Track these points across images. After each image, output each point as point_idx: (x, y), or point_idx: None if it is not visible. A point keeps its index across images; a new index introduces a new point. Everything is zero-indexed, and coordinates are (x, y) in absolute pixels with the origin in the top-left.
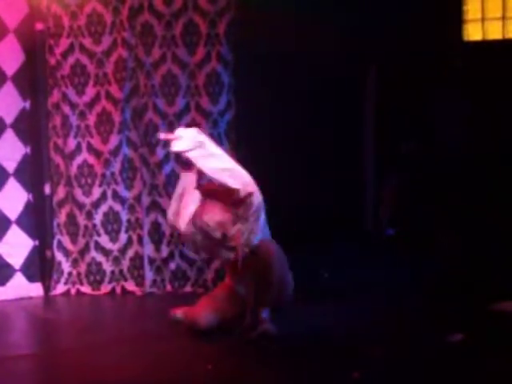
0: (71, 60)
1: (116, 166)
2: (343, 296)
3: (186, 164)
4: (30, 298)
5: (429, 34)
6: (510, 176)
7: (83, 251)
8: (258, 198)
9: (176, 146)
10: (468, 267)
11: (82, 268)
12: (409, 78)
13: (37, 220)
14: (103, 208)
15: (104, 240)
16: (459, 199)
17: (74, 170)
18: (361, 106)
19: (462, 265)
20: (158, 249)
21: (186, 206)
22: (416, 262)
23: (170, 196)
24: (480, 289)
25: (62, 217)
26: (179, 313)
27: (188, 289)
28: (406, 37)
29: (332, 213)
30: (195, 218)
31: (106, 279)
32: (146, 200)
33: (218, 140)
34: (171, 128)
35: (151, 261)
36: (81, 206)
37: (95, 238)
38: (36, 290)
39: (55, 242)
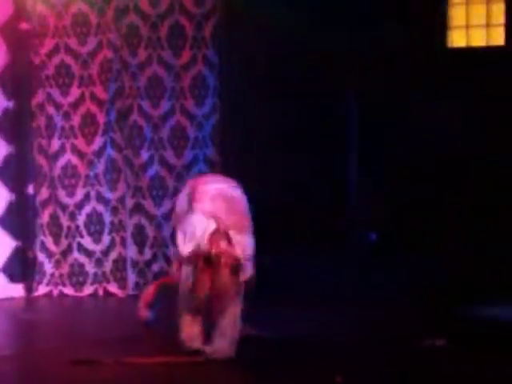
0: (56, 60)
1: (100, 168)
2: (323, 300)
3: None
4: (12, 298)
5: (413, 41)
6: (492, 177)
7: (66, 252)
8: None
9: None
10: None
11: (65, 269)
12: (393, 84)
13: (19, 220)
14: (86, 209)
15: (87, 241)
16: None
17: (57, 170)
18: (346, 107)
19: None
20: (141, 251)
21: None
22: (398, 268)
23: (153, 198)
24: (464, 293)
25: (44, 217)
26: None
27: None
28: (390, 43)
29: (315, 215)
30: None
31: (89, 281)
32: (129, 202)
33: (202, 143)
34: (155, 130)
35: (134, 263)
36: (64, 207)
37: (78, 239)
38: (17, 290)
39: (38, 243)
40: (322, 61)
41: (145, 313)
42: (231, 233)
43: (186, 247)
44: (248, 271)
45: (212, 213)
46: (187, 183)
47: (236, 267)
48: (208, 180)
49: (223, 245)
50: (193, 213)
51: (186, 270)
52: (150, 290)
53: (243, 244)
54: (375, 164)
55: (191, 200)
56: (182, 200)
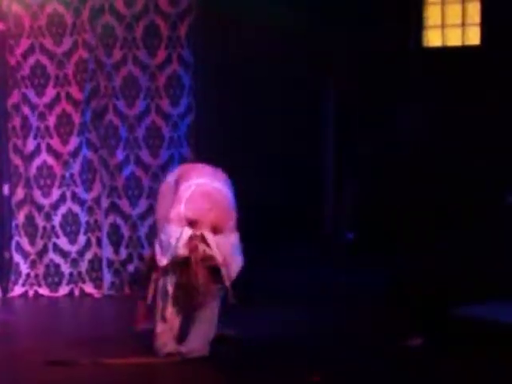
0: (31, 61)
1: (75, 168)
2: (299, 299)
3: None
4: None
5: (389, 40)
6: (468, 176)
7: (41, 253)
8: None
9: None
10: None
11: (40, 270)
12: (369, 83)
13: None
14: (62, 210)
15: (63, 242)
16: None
17: (33, 171)
18: (320, 107)
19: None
20: (116, 251)
21: None
22: (375, 267)
23: (128, 198)
24: (441, 293)
25: (20, 218)
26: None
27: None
28: (366, 42)
29: (292, 214)
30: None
31: (65, 281)
32: (105, 202)
33: (178, 143)
34: (131, 130)
35: (110, 263)
36: (40, 208)
37: (54, 239)
38: None
39: (13, 244)
40: (298, 60)
41: (142, 325)
42: (209, 235)
43: (162, 259)
44: (232, 273)
45: (188, 218)
46: (177, 169)
47: (214, 269)
48: (191, 175)
49: (201, 248)
50: (168, 222)
51: (164, 279)
52: (140, 307)
53: (222, 245)
54: (353, 164)
55: (175, 191)
56: (169, 180)
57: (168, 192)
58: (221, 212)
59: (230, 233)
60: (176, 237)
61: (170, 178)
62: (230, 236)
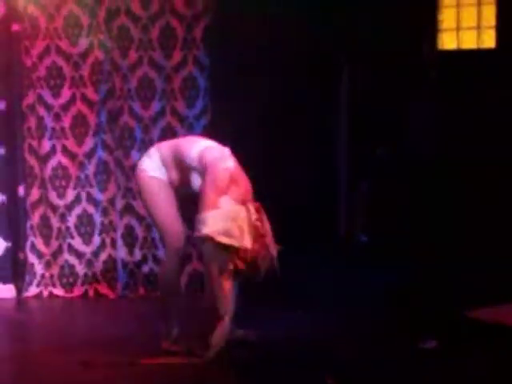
0: (47, 62)
1: (90, 169)
2: (313, 301)
3: None
4: (2, 299)
5: (403, 43)
6: (481, 180)
7: (56, 253)
8: None
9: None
10: (440, 274)
11: (55, 270)
12: (383, 85)
13: (10, 221)
14: (77, 210)
15: (77, 242)
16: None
17: (48, 171)
18: (335, 110)
19: (433, 271)
20: (131, 252)
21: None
22: (388, 269)
23: None
24: (454, 296)
25: (35, 219)
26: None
27: None
28: (380, 44)
29: (306, 217)
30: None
31: (79, 282)
32: (119, 203)
33: None
34: (146, 132)
35: (124, 264)
36: (55, 208)
37: (68, 240)
38: (8, 291)
39: (28, 244)
40: (314, 61)
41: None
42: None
43: (246, 241)
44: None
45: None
46: (156, 151)
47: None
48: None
49: (263, 225)
50: (231, 203)
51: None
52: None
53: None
54: (367, 167)
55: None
56: (152, 174)
57: (164, 187)
58: (247, 185)
59: None
60: (244, 218)
61: (149, 168)
62: None
